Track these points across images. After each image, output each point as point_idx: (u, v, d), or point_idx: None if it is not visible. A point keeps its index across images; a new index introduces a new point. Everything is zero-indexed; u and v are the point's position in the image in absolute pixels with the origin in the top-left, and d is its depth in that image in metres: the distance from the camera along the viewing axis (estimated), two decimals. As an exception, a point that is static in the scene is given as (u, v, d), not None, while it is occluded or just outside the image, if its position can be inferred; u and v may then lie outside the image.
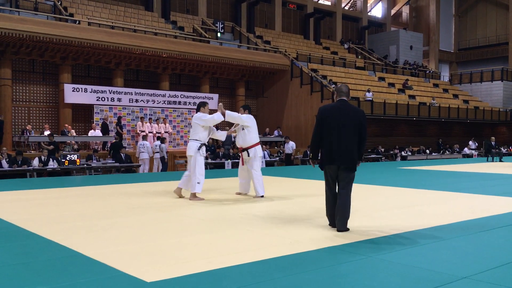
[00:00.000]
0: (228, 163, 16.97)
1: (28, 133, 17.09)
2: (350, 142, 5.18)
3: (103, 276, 3.56)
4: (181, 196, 7.97)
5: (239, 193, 8.50)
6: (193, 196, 7.72)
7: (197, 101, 21.64)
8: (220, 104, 8.23)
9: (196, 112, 7.98)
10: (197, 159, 7.68)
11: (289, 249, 4.34)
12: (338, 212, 5.14)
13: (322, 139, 5.27)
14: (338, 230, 5.13)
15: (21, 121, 18.82)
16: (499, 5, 40.04)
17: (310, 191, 9.02)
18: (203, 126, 7.82)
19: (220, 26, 25.96)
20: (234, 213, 6.48)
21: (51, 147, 15.33)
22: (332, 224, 5.31)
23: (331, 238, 4.82)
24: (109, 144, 18.43)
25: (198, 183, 7.63)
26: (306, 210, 6.65)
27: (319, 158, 5.38)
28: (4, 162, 13.54)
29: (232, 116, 8.01)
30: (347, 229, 5.15)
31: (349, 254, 4.19)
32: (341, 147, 5.15)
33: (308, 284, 3.37)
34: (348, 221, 5.17)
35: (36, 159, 14.39)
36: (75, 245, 4.49)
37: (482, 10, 41.36)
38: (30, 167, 13.85)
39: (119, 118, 18.85)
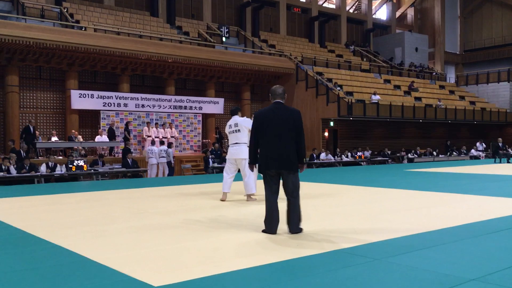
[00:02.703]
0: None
1: (35, 140, 17.18)
2: (287, 145, 5.09)
3: (110, 280, 3.57)
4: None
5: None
6: (250, 197, 8.13)
7: (203, 105, 21.81)
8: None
9: (232, 116, 8.24)
10: None
11: (295, 252, 4.33)
12: (290, 216, 5.12)
13: (258, 144, 5.23)
14: (292, 232, 5.12)
15: (29, 127, 18.92)
16: (505, 6, 39.88)
17: (313, 193, 8.99)
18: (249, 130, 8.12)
19: (225, 30, 26.05)
20: (239, 216, 6.48)
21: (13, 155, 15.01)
22: (269, 230, 5.14)
23: (337, 240, 4.81)
24: (115, 149, 18.53)
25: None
26: (308, 212, 6.62)
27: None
28: (12, 168, 13.64)
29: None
30: (301, 230, 5.16)
31: (356, 256, 4.18)
32: (276, 151, 5.09)
33: (315, 287, 3.36)
34: (353, 222, 5.14)
35: (44, 165, 14.48)
36: (83, 250, 4.51)
37: (487, 11, 41.20)
38: (37, 173, 13.94)
39: (127, 123, 18.92)
